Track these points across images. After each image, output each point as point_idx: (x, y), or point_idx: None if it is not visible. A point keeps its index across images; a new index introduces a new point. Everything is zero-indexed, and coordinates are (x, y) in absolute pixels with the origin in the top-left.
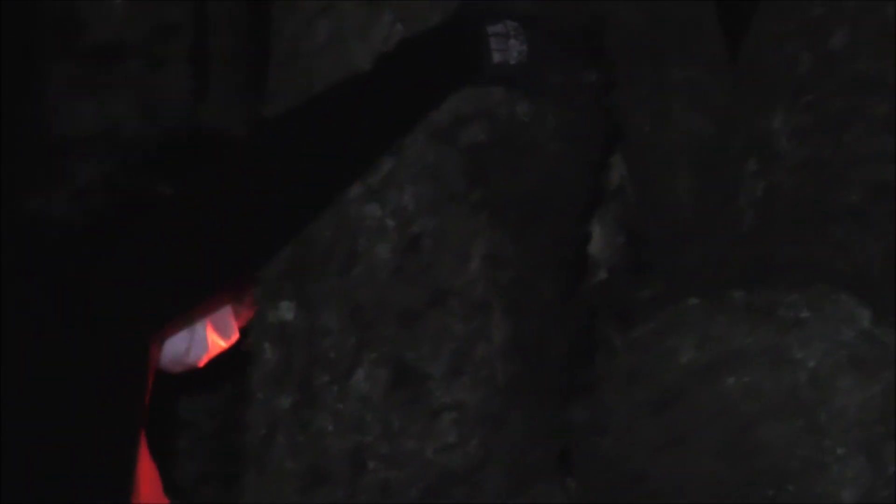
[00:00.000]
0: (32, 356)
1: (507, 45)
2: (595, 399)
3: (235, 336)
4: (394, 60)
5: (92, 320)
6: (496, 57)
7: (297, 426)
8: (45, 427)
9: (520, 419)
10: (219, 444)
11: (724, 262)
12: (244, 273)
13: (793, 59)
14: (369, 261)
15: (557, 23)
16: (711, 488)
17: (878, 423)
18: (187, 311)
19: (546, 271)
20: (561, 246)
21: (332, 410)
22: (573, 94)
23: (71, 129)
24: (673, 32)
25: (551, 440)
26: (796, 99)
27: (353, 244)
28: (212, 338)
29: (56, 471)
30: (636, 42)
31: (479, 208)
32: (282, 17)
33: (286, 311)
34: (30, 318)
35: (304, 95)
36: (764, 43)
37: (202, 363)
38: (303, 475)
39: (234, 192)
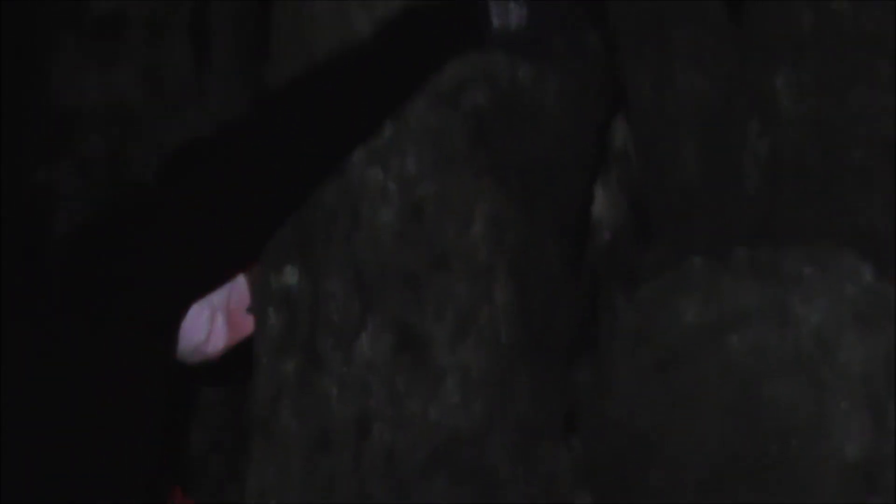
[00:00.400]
0: (36, 350)
1: (506, 10)
2: (600, 360)
3: (252, 326)
4: (395, 26)
5: (103, 310)
6: (496, 21)
7: (302, 391)
8: (53, 423)
9: (524, 381)
10: (228, 413)
11: (728, 223)
12: (254, 244)
13: (795, 18)
14: (372, 225)
15: None
16: (717, 447)
17: (882, 379)
18: (205, 289)
19: (550, 234)
20: (565, 209)
21: (337, 374)
22: (575, 57)
23: (76, 101)
24: None
25: (556, 402)
26: (799, 58)
27: (357, 209)
28: (230, 328)
29: (66, 464)
30: (638, 4)
31: (481, 171)
32: None
33: (290, 275)
34: (35, 309)
35: (307, 63)
36: (766, 3)
37: (220, 353)
38: (308, 439)
39: (239, 163)
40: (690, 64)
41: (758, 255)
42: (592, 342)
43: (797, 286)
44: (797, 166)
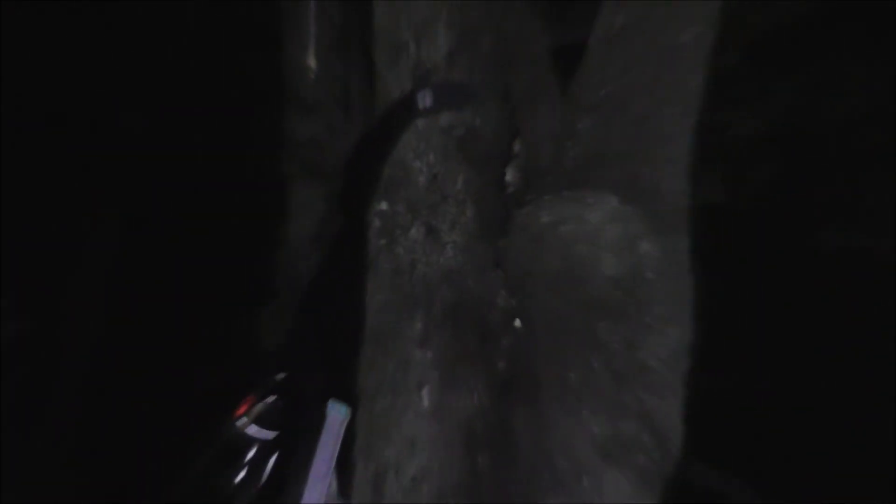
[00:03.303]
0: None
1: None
2: (508, 245)
3: None
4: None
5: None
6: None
7: (388, 251)
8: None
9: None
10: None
11: (560, 181)
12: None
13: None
14: (414, 179)
15: None
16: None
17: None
18: None
19: (494, 185)
20: (498, 175)
21: (402, 246)
22: (490, 109)
23: (302, 93)
24: None
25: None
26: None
27: (408, 177)
28: None
29: None
30: (530, 71)
31: (465, 160)
32: None
33: (383, 204)
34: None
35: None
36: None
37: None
38: (390, 271)
39: (369, 164)
40: (541, 111)
41: (573, 193)
42: (506, 232)
43: (589, 206)
44: (590, 152)
